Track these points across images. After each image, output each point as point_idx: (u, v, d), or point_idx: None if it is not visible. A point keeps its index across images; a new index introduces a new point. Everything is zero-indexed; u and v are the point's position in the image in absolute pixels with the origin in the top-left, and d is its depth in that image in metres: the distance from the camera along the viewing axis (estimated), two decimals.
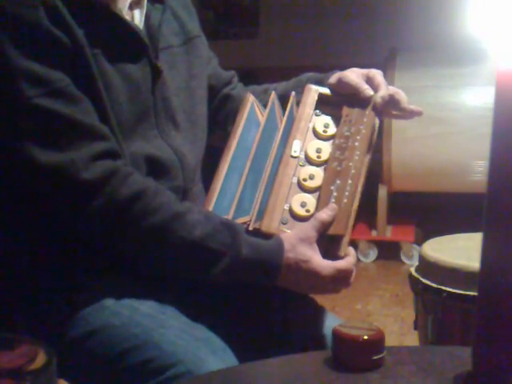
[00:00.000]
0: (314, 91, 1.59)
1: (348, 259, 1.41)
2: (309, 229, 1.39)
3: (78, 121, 1.32)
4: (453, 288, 1.77)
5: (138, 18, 1.49)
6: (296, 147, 1.51)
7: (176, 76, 1.53)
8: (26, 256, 1.42)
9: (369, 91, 1.54)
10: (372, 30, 5.51)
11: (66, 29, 1.32)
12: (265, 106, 1.60)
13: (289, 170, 1.48)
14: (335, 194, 1.43)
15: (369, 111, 1.53)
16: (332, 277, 1.38)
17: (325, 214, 1.39)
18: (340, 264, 1.39)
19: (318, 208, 1.42)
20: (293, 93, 1.60)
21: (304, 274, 1.37)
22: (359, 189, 1.47)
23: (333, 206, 1.41)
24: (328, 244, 1.41)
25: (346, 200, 1.42)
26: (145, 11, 1.50)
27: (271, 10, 6.03)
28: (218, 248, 1.34)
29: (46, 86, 1.30)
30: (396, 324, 3.61)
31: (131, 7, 1.49)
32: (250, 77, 5.68)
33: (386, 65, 4.55)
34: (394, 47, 4.75)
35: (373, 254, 4.77)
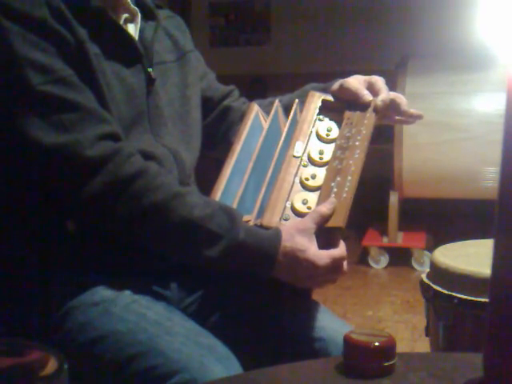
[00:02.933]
0: (317, 97, 1.63)
1: (340, 247, 1.42)
2: (308, 221, 1.40)
3: (81, 104, 1.35)
4: (464, 294, 1.77)
5: (132, 31, 1.54)
6: (298, 148, 1.53)
7: (170, 88, 1.58)
8: (33, 260, 1.43)
9: (368, 96, 1.57)
10: (383, 37, 5.52)
11: (69, 27, 1.37)
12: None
13: (291, 169, 1.50)
14: (335, 189, 1.44)
15: (369, 113, 1.55)
16: (328, 267, 1.38)
17: (324, 208, 1.40)
18: (334, 252, 1.40)
19: (318, 204, 1.44)
20: (296, 100, 1.63)
21: (300, 263, 1.37)
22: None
23: (332, 199, 1.42)
24: (326, 237, 1.41)
25: (345, 195, 1.44)
26: (139, 27, 1.55)
27: (282, 16, 6.05)
28: (216, 230, 1.35)
29: (50, 75, 1.34)
30: (407, 330, 3.60)
31: (125, 22, 1.54)
32: (260, 83, 5.71)
33: (398, 71, 4.55)
34: (405, 54, 4.75)
35: (384, 260, 4.77)
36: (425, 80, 4.56)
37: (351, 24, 5.68)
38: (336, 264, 1.40)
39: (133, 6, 1.55)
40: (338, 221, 1.41)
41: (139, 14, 1.56)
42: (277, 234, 1.38)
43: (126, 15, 1.54)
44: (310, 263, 1.37)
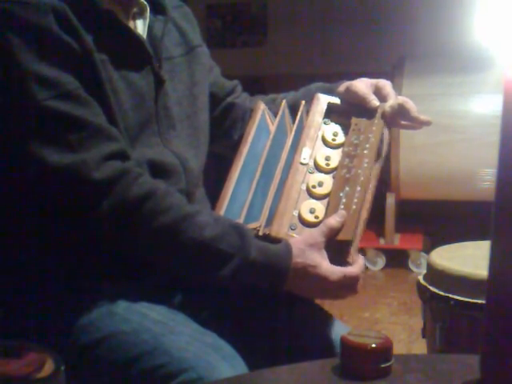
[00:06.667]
0: (323, 100, 1.61)
1: (356, 266, 1.41)
2: (317, 234, 1.39)
3: (88, 122, 1.32)
4: (460, 296, 1.76)
5: (140, 28, 1.52)
6: (305, 154, 1.51)
7: (178, 85, 1.55)
8: (35, 261, 1.41)
9: (375, 102, 1.55)
10: (380, 38, 5.51)
11: (75, 35, 1.34)
12: (274, 114, 1.61)
13: (298, 177, 1.49)
14: (344, 200, 1.43)
15: (378, 120, 1.54)
16: (340, 282, 1.38)
17: (334, 220, 1.40)
18: (348, 270, 1.39)
19: (326, 214, 1.43)
20: (303, 102, 1.62)
21: (312, 279, 1.37)
22: (369, 198, 1.48)
23: (342, 212, 1.41)
24: (337, 250, 1.41)
25: (354, 206, 1.42)
26: (148, 22, 1.53)
27: (279, 18, 6.04)
28: (226, 250, 1.34)
29: (55, 89, 1.31)
30: (404, 332, 3.60)
31: (134, 17, 1.51)
32: (257, 84, 5.71)
33: (394, 73, 4.55)
34: (401, 55, 4.75)
35: (381, 262, 4.76)
36: (421, 81, 4.56)
37: (348, 25, 5.68)
38: (349, 282, 1.39)
39: None
40: (348, 234, 1.40)
41: (148, 8, 1.53)
42: (288, 251, 1.37)
43: (134, 9, 1.51)
44: (322, 279, 1.37)
